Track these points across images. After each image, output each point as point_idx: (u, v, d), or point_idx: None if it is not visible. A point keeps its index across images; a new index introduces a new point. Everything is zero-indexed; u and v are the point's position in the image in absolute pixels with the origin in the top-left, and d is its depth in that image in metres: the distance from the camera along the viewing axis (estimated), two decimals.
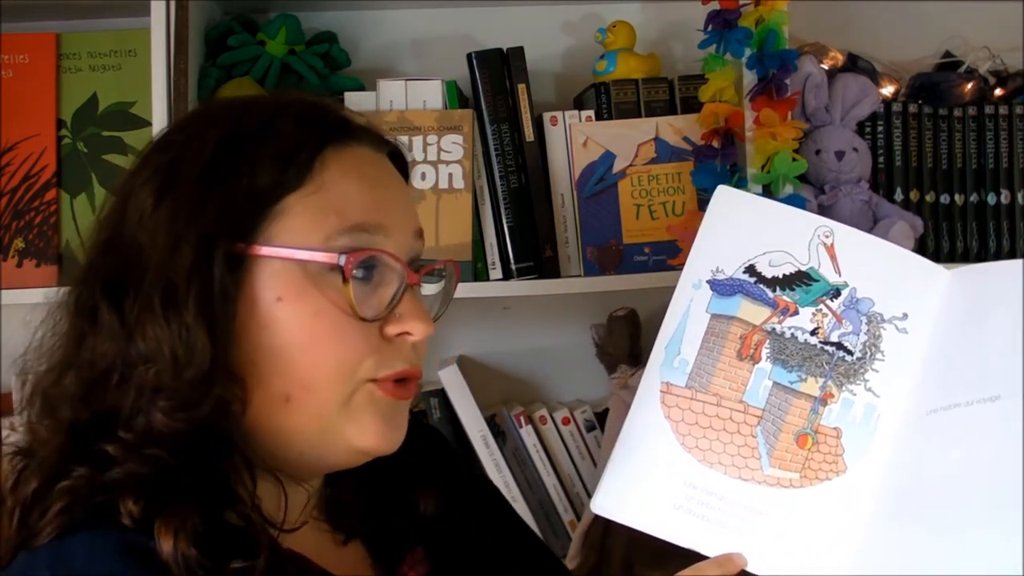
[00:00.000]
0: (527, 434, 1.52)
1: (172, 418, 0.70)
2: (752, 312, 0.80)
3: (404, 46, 1.68)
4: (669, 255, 1.49)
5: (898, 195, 1.53)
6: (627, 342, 1.57)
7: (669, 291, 1.61)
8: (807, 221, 0.83)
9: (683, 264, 1.45)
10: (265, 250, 0.73)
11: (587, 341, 1.65)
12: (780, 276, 0.81)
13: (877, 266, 0.81)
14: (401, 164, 0.85)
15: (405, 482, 0.86)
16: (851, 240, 0.82)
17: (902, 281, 0.81)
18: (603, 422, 1.54)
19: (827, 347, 0.79)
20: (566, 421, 1.55)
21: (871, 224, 1.49)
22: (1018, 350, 0.73)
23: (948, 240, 1.54)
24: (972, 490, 0.71)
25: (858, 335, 0.79)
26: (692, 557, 0.76)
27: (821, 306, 0.80)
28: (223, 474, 0.72)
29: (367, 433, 0.75)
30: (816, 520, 0.75)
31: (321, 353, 0.73)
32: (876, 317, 0.80)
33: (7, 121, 1.46)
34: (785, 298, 0.80)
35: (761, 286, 0.81)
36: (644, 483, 0.77)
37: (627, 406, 1.47)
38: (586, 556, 1.40)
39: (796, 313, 0.80)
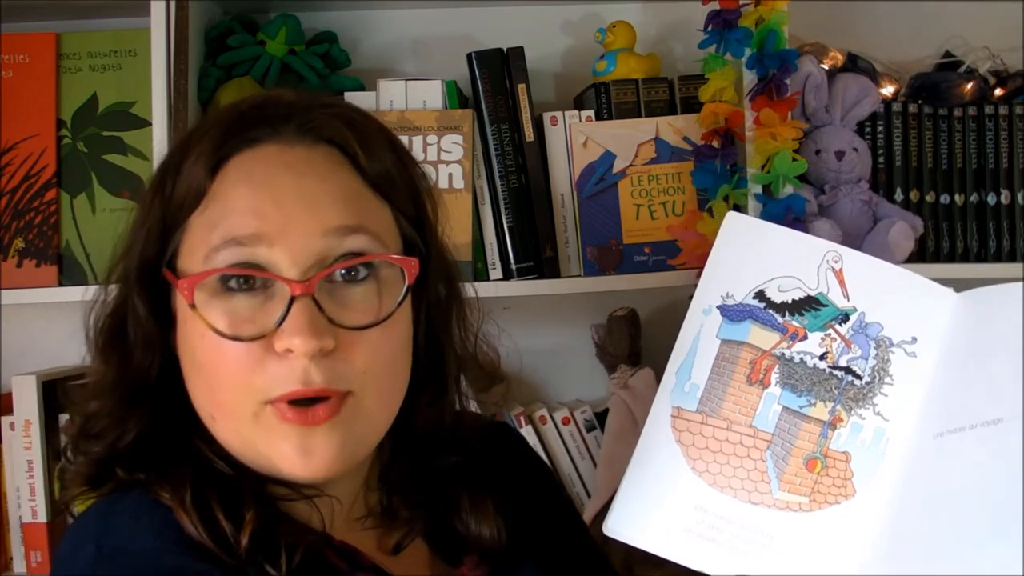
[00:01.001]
0: (527, 434, 1.52)
1: (104, 433, 0.76)
2: (762, 337, 0.81)
3: (404, 46, 1.68)
4: (669, 255, 1.50)
5: (898, 195, 1.53)
6: (627, 342, 1.57)
7: (669, 291, 1.61)
8: (816, 246, 0.83)
9: (682, 264, 1.47)
10: (170, 275, 0.75)
11: (587, 341, 1.65)
12: (789, 301, 0.81)
13: (886, 290, 0.81)
14: (360, 149, 0.77)
15: (468, 489, 0.84)
16: (860, 265, 0.82)
17: (911, 305, 0.81)
18: (603, 422, 1.54)
19: (836, 372, 0.80)
20: (566, 421, 1.55)
21: (871, 224, 1.49)
22: (1020, 372, 0.73)
23: (948, 240, 1.54)
24: (975, 513, 0.71)
25: (867, 359, 0.80)
26: None
27: (830, 331, 0.81)
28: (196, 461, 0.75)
29: (280, 458, 0.72)
30: (824, 544, 0.76)
31: (217, 375, 0.72)
32: (885, 341, 0.80)
33: (7, 121, 1.46)
34: (794, 323, 0.81)
35: (770, 311, 0.81)
36: (655, 506, 0.78)
37: (627, 406, 1.49)
38: None
39: (805, 338, 0.80)
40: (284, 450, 0.72)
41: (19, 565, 1.47)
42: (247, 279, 0.72)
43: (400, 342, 0.77)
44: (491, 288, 1.47)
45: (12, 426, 1.46)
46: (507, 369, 0.93)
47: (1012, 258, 1.53)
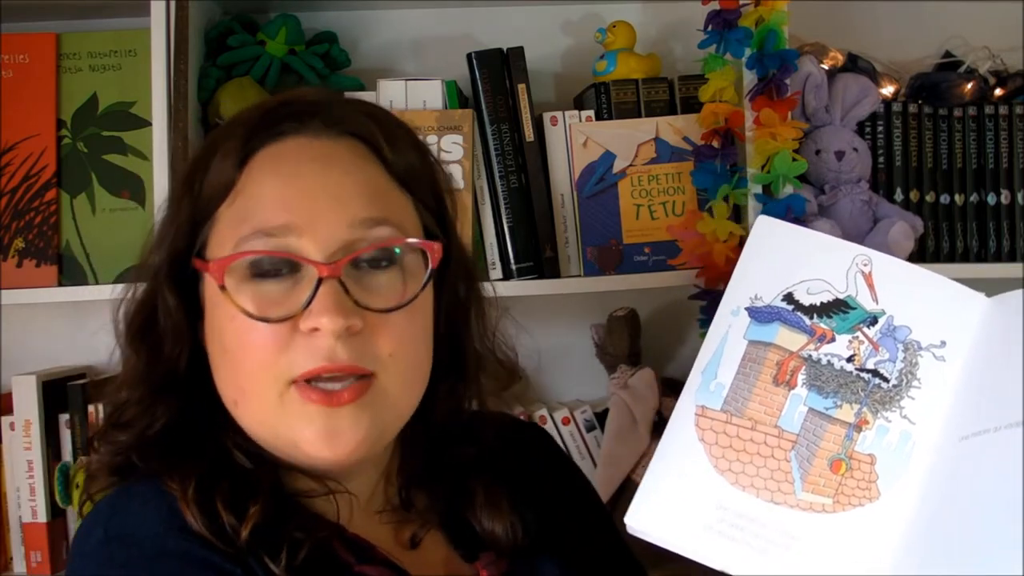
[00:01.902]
0: None
1: (134, 422, 0.78)
2: (789, 339, 0.81)
3: (404, 46, 1.68)
4: (669, 255, 1.50)
5: (898, 195, 1.53)
6: (627, 342, 1.57)
7: (669, 291, 1.60)
8: (846, 250, 0.83)
9: (682, 264, 1.47)
10: (199, 263, 0.76)
11: (587, 341, 1.65)
12: (818, 304, 0.82)
13: (915, 294, 0.82)
14: (379, 142, 0.79)
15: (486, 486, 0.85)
16: (889, 268, 0.82)
17: (940, 309, 0.81)
18: (603, 422, 1.54)
19: (863, 374, 0.80)
20: (566, 421, 1.55)
21: (871, 224, 1.49)
22: None
23: (948, 240, 1.54)
24: (996, 515, 0.70)
25: (894, 362, 0.80)
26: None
27: (858, 333, 0.81)
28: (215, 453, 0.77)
29: (305, 440, 0.73)
30: (847, 546, 0.75)
31: (241, 357, 0.74)
32: (913, 345, 0.80)
33: (7, 121, 1.46)
34: (822, 325, 0.81)
35: (799, 314, 0.81)
36: (676, 503, 0.78)
37: (627, 406, 1.49)
38: None
39: (833, 340, 0.81)
40: (308, 434, 0.73)
41: (19, 565, 1.47)
42: (275, 267, 0.73)
43: (423, 329, 0.79)
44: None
45: (12, 426, 1.47)
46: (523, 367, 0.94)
47: (1012, 258, 1.54)
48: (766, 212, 1.41)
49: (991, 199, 1.54)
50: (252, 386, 0.74)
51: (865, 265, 0.82)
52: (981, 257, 1.54)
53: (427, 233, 0.81)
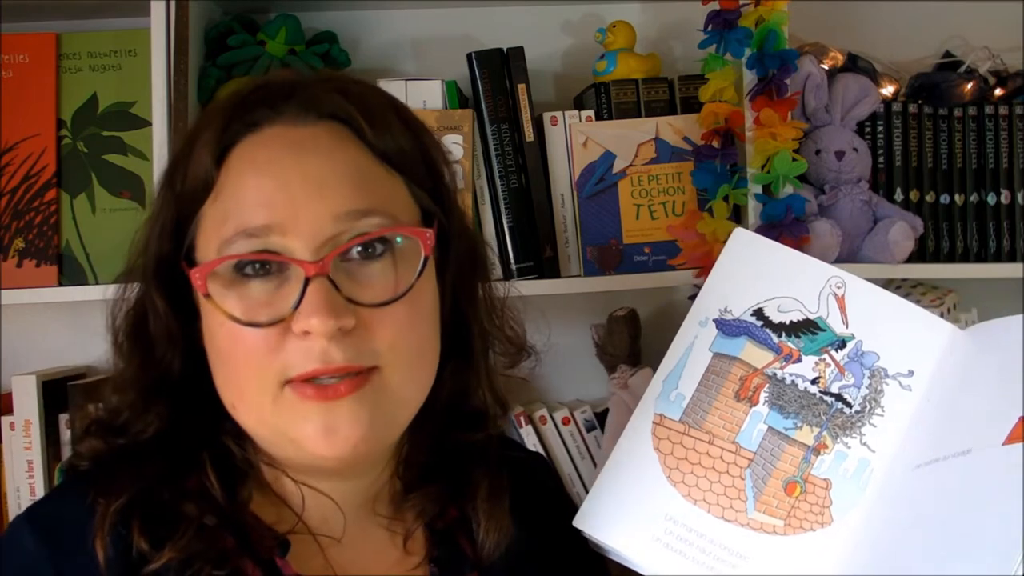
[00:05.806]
0: (527, 434, 1.52)
1: (127, 427, 0.77)
2: (755, 355, 0.80)
3: (404, 46, 1.68)
4: (669, 255, 1.50)
5: (898, 195, 1.53)
6: (627, 342, 1.56)
7: (669, 291, 1.61)
8: (820, 270, 0.83)
9: (682, 264, 1.47)
10: (187, 267, 0.74)
11: (587, 341, 1.64)
12: (787, 322, 0.81)
13: (886, 321, 0.81)
14: (366, 124, 0.75)
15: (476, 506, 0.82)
16: (862, 293, 0.82)
17: (911, 338, 0.80)
18: (603, 422, 1.54)
19: (826, 397, 0.79)
20: (566, 421, 1.55)
21: (871, 224, 1.49)
22: (995, 403, 0.73)
23: (948, 240, 1.54)
24: (939, 543, 0.70)
25: (859, 388, 0.79)
26: None
27: (825, 356, 0.80)
28: (184, 469, 0.75)
29: (306, 438, 0.71)
30: (794, 570, 0.75)
31: (235, 362, 0.72)
32: (880, 372, 0.80)
33: (7, 121, 1.45)
34: (790, 344, 0.80)
35: (767, 330, 0.81)
36: (626, 510, 0.77)
37: (627, 406, 1.48)
38: None
39: (799, 360, 0.80)
40: (307, 431, 0.71)
41: None
42: (262, 265, 0.71)
43: (426, 315, 0.76)
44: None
45: (12, 426, 1.46)
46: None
47: (1012, 258, 1.54)
48: (766, 212, 1.41)
49: (991, 199, 1.54)
50: (248, 388, 0.72)
51: (839, 287, 0.81)
52: (981, 257, 1.54)
53: (424, 214, 0.77)
